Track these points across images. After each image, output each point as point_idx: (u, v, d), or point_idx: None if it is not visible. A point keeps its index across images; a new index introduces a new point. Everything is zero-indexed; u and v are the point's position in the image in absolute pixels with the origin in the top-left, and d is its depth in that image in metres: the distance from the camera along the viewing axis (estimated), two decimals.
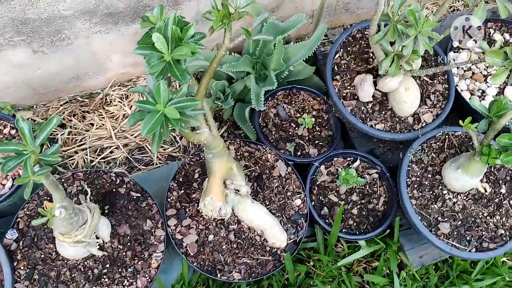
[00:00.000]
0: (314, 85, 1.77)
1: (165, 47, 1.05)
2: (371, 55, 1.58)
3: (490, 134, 1.29)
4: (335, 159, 1.63)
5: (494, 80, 1.15)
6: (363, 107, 1.53)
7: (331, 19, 1.98)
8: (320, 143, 1.64)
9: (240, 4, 1.08)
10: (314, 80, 1.77)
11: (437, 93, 1.57)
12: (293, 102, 1.71)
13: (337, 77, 1.57)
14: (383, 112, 1.54)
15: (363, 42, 1.61)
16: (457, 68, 1.68)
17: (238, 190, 1.46)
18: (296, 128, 1.64)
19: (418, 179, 1.46)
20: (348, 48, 1.60)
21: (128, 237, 1.39)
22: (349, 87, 1.56)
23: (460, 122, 1.27)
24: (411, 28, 1.14)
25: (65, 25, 1.47)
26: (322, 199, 1.57)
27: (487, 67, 1.68)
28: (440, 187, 1.45)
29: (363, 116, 1.53)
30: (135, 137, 1.81)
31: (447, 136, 1.53)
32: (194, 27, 1.09)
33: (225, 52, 1.15)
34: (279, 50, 1.58)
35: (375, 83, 1.53)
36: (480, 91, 1.65)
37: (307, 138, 1.64)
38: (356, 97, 1.54)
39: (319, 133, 1.66)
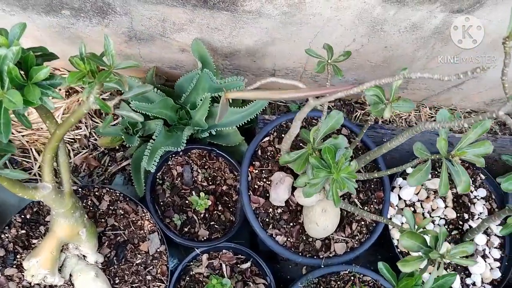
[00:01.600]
0: (240, 153, 1.50)
1: None
2: None
3: None
4: (224, 251, 1.37)
5: (401, 267, 0.90)
6: (270, 210, 1.27)
7: None
8: (215, 226, 1.38)
9: (117, 65, 0.81)
10: (242, 149, 1.51)
11: (362, 223, 1.32)
12: (206, 167, 1.44)
13: (257, 163, 1.31)
14: (291, 224, 1.28)
15: None
16: (399, 198, 1.43)
17: (85, 256, 1.20)
18: None
19: None
20: (283, 135, 1.34)
21: None
22: (265, 180, 1.30)
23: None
24: (323, 169, 0.88)
25: None
26: None
27: (433, 210, 1.43)
28: None
29: (267, 220, 1.27)
30: (23, 135, 1.53)
31: (352, 278, 1.27)
32: (48, 70, 0.82)
33: (87, 111, 0.88)
34: (204, 108, 1.32)
35: (295, 188, 1.28)
36: None
37: (202, 215, 1.38)
38: (267, 195, 1.28)
39: (219, 214, 1.40)
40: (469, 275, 1.38)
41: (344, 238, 1.30)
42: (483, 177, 1.51)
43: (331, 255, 1.28)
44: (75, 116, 0.90)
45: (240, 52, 1.48)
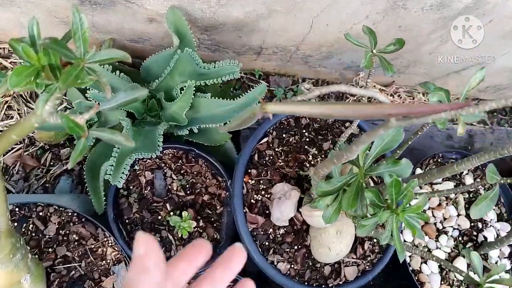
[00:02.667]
0: (223, 153, 1.22)
1: None
2: (310, 158, 1.07)
3: None
4: None
5: None
6: (270, 231, 1.02)
7: (282, 64, 1.44)
8: None
9: (91, 57, 0.50)
10: (225, 147, 1.22)
11: (374, 240, 1.11)
12: (182, 172, 1.15)
13: (254, 171, 1.04)
14: (296, 248, 1.04)
15: (307, 134, 1.09)
16: None
17: None
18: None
19: None
20: (284, 135, 1.08)
21: None
22: (263, 192, 1.03)
23: None
24: (386, 211, 0.63)
25: None
26: None
27: (445, 218, 1.26)
28: None
29: (267, 244, 1.02)
30: None
31: None
32: None
33: (40, 124, 0.57)
34: (185, 99, 1.01)
35: (300, 201, 1.03)
36: (426, 249, 1.21)
37: (180, 234, 1.10)
38: (267, 212, 1.02)
39: (200, 232, 1.12)
40: None
41: (355, 260, 1.08)
42: None
43: (341, 282, 1.06)
44: (18, 131, 0.57)
45: (225, 25, 1.17)
